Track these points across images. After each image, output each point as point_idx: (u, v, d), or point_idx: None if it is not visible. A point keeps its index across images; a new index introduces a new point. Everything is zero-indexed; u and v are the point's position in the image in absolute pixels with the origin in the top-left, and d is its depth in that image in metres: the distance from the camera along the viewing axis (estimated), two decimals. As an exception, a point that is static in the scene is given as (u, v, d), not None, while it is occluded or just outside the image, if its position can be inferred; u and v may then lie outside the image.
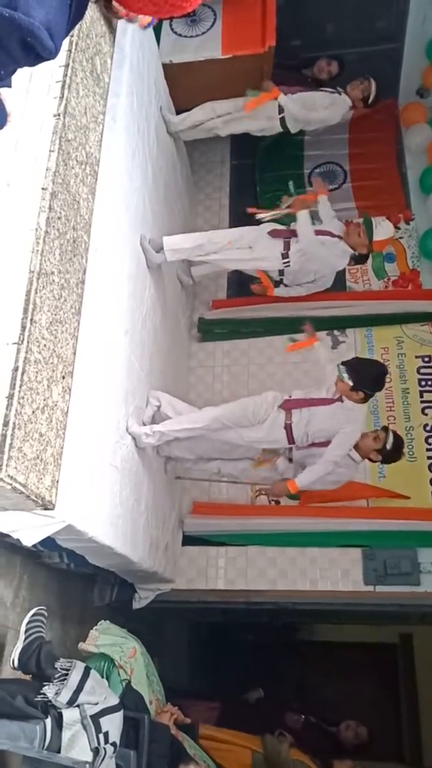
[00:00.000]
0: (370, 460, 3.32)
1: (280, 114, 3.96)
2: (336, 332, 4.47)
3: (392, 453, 3.22)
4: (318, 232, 3.62)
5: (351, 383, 3.08)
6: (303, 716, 3.95)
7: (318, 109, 3.97)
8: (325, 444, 3.21)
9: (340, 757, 3.50)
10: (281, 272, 3.86)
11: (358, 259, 3.75)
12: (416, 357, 4.34)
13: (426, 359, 4.34)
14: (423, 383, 4.27)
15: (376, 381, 3.19)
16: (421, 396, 4.22)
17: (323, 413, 3.16)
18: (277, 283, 3.96)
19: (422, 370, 4.31)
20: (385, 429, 3.29)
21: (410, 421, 4.14)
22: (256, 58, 4.08)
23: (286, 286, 3.95)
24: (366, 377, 3.13)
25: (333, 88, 4.03)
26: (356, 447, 3.20)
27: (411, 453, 4.02)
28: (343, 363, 3.18)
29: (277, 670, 5.42)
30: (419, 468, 3.98)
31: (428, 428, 4.13)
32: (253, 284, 3.98)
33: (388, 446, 3.17)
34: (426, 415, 4.15)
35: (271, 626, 4.94)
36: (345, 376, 3.09)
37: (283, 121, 3.99)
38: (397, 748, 5.31)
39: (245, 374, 4.50)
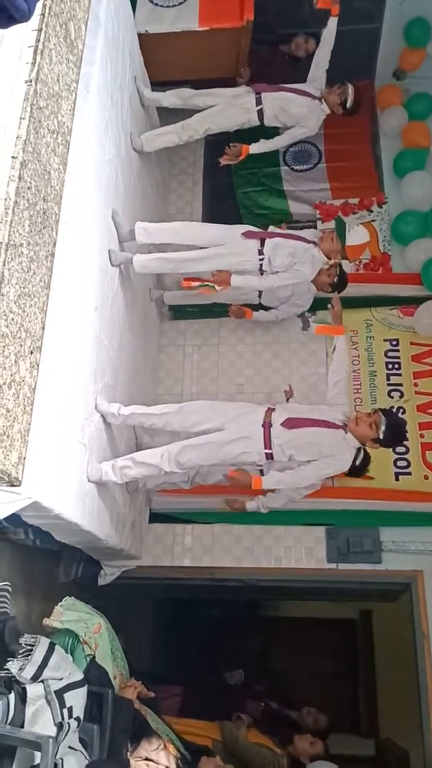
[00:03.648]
0: (365, 446, 3.10)
1: (257, 106, 3.89)
2: (306, 314, 4.48)
3: (391, 440, 3.11)
4: (289, 237, 3.60)
5: (381, 438, 3.00)
6: (263, 704, 4.02)
7: (293, 108, 3.89)
8: None
9: (301, 733, 3.59)
10: (260, 294, 3.90)
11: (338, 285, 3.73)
12: (384, 340, 4.38)
13: (394, 342, 4.38)
14: (390, 366, 4.31)
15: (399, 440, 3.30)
16: (388, 379, 4.27)
17: (319, 432, 3.03)
18: (256, 307, 4.01)
19: (389, 354, 4.35)
20: (382, 411, 3.08)
21: (376, 403, 4.17)
22: (234, 32, 4.01)
23: (264, 308, 4.00)
24: (397, 439, 3.20)
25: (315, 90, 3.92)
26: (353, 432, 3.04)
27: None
28: (384, 415, 3.03)
29: (241, 645, 5.51)
30: (383, 449, 4.03)
31: (393, 411, 4.18)
32: (231, 307, 4.01)
33: (382, 435, 3.01)
34: (392, 397, 4.20)
35: (236, 603, 5.01)
36: (382, 428, 2.97)
37: (260, 114, 3.92)
38: (354, 720, 5.48)
39: (215, 354, 4.50)
